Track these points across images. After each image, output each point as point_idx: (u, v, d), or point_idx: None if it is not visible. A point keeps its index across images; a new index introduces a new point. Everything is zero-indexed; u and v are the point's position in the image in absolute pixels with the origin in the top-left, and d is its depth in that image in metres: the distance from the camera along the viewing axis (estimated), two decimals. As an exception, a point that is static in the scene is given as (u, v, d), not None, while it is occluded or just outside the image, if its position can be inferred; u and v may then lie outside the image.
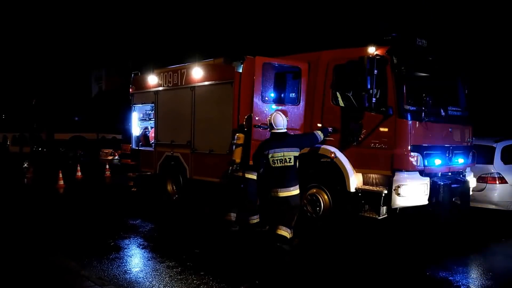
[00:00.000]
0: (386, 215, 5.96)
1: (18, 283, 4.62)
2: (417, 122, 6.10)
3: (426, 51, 6.45)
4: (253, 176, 6.56)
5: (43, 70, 32.40)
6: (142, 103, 10.19)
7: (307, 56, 7.15)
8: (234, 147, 6.86)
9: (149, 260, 5.61)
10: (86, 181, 11.89)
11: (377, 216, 5.90)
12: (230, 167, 6.81)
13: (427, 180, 6.13)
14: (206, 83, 8.36)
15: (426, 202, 6.12)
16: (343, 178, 6.21)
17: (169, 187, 9.36)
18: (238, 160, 6.69)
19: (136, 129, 10.50)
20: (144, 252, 5.94)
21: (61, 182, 12.24)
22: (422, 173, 6.15)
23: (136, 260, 5.63)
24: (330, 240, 6.26)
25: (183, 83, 8.87)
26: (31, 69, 31.90)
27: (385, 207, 5.92)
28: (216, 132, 8.12)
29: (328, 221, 6.39)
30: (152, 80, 9.64)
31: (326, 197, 6.49)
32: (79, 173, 14.26)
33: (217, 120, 8.10)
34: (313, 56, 7.03)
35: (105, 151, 17.29)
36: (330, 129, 6.37)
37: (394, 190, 5.91)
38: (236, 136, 6.89)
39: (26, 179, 13.16)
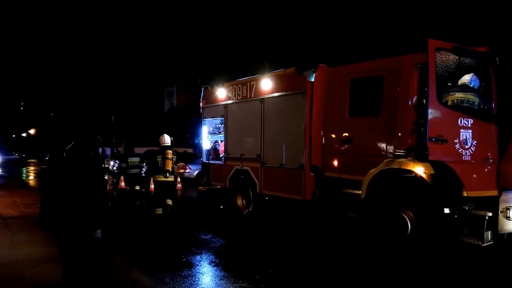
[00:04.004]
0: (492, 242, 5.11)
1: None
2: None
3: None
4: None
5: (121, 88, 34.78)
6: (212, 117, 10.20)
7: (383, 63, 6.54)
8: (165, 160, 8.57)
9: (221, 279, 5.35)
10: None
11: (480, 243, 5.07)
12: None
13: (541, 200, 5.19)
14: (276, 94, 8.08)
15: (540, 226, 5.18)
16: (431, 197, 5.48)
17: (239, 202, 9.17)
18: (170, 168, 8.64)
19: (206, 142, 10.53)
20: (216, 270, 5.71)
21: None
22: (535, 192, 5.23)
23: (208, 278, 5.41)
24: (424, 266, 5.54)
25: (252, 95, 8.69)
26: (110, 87, 34.39)
27: (489, 232, 5.08)
28: (287, 145, 7.77)
29: (417, 244, 5.67)
30: (222, 93, 9.60)
31: (411, 217, 5.80)
32: (152, 186, 14.75)
33: (288, 132, 7.76)
34: (391, 62, 6.41)
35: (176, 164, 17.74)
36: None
37: (501, 212, 5.07)
38: (168, 152, 8.63)
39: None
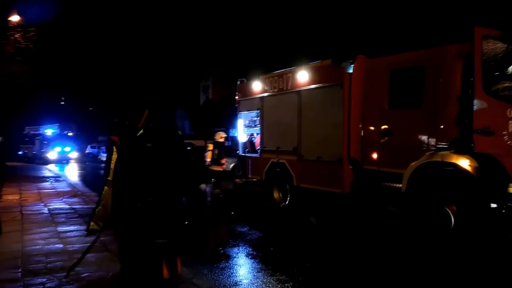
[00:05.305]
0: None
1: None
2: None
3: None
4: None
5: (160, 84, 35.79)
6: (247, 110, 10.25)
7: (424, 53, 6.30)
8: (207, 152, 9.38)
9: (259, 271, 5.40)
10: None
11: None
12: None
13: None
14: (313, 86, 7.98)
15: None
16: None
17: (276, 195, 9.19)
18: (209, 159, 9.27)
19: (242, 135, 10.61)
20: (253, 263, 5.77)
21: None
22: None
23: (245, 271, 5.48)
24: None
25: (289, 88, 8.64)
26: (151, 84, 35.45)
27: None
28: (325, 138, 7.69)
29: (460, 239, 5.48)
30: (257, 86, 9.62)
31: (455, 211, 5.59)
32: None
33: (325, 125, 7.67)
34: (434, 53, 6.15)
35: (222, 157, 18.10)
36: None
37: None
38: (207, 144, 9.46)
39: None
